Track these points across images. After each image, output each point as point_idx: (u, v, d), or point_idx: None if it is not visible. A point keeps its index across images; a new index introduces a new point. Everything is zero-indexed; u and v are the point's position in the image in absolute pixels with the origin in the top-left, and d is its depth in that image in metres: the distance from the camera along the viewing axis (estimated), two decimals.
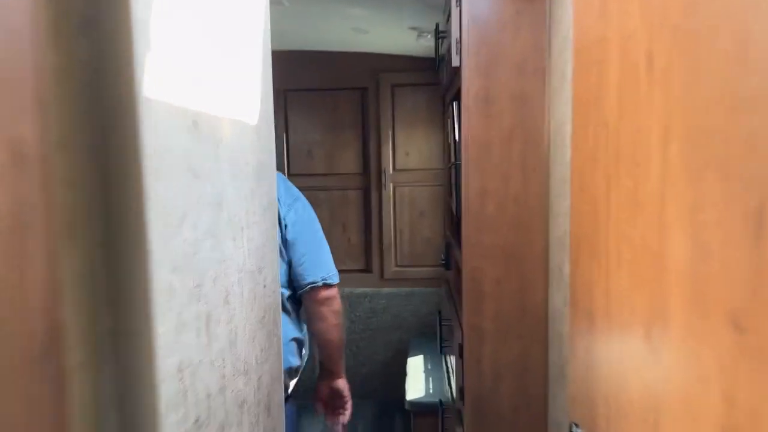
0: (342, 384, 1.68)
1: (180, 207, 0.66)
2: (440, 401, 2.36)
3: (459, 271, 1.89)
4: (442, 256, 2.15)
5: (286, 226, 1.49)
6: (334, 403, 1.70)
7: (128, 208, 0.55)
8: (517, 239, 1.62)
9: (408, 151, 3.46)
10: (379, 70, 3.36)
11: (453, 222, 2.26)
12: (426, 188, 3.47)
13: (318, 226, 1.64)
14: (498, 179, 1.62)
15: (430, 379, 2.75)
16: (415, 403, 2.56)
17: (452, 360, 1.98)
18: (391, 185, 3.45)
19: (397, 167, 3.46)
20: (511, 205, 1.62)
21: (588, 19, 0.89)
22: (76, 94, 0.50)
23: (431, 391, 2.63)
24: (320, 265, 1.56)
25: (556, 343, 1.52)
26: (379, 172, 3.43)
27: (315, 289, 1.54)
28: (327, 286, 1.55)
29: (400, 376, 3.41)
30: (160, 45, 0.61)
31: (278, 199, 1.35)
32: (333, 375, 1.67)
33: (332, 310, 1.56)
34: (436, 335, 2.33)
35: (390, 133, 3.43)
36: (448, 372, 2.13)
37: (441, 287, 3.45)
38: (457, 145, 1.71)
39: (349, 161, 3.47)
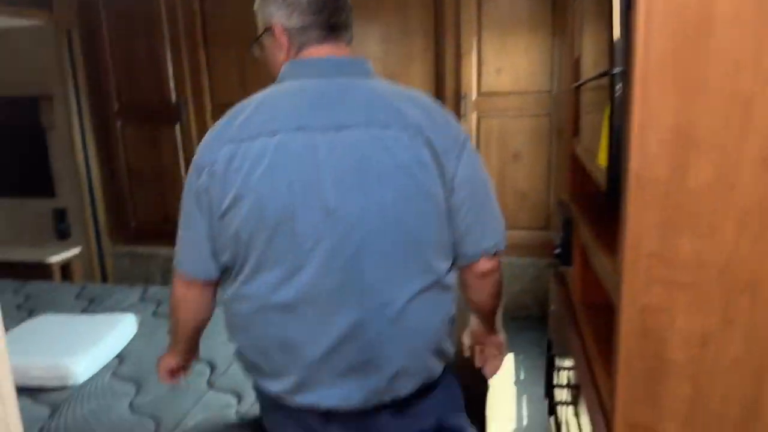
0: (500, 337, 1.34)
1: None
2: None
3: (598, 293, 1.00)
4: (558, 243, 1.25)
5: (453, 187, 1.08)
6: (488, 350, 1.36)
7: None
8: (763, 254, 0.70)
9: (500, 67, 2.47)
10: None
11: (576, 181, 1.33)
12: (524, 120, 2.48)
13: (487, 175, 1.15)
14: (724, 109, 0.69)
15: (524, 399, 1.91)
16: None
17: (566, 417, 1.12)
18: (474, 115, 2.50)
19: (483, 90, 2.49)
20: (753, 174, 0.70)
21: None
22: None
23: (525, 421, 1.80)
24: (492, 230, 1.15)
25: None
26: (457, 96, 2.48)
27: (481, 260, 1.16)
28: (494, 254, 1.16)
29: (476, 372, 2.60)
30: None
31: (432, 143, 1.04)
32: (489, 332, 1.34)
33: (496, 280, 1.21)
34: (534, 331, 1.50)
35: (474, 42, 2.44)
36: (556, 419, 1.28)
37: (542, 258, 2.55)
38: (622, 41, 0.77)
39: (414, 80, 2.54)
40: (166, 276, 2.92)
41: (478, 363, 1.41)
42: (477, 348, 1.40)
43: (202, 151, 1.06)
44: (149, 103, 2.80)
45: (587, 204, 1.19)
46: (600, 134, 0.90)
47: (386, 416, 1.12)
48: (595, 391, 0.88)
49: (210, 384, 1.68)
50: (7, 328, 1.95)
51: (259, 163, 1.00)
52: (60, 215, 2.83)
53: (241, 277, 1.07)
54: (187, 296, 1.16)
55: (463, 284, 1.22)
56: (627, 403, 0.76)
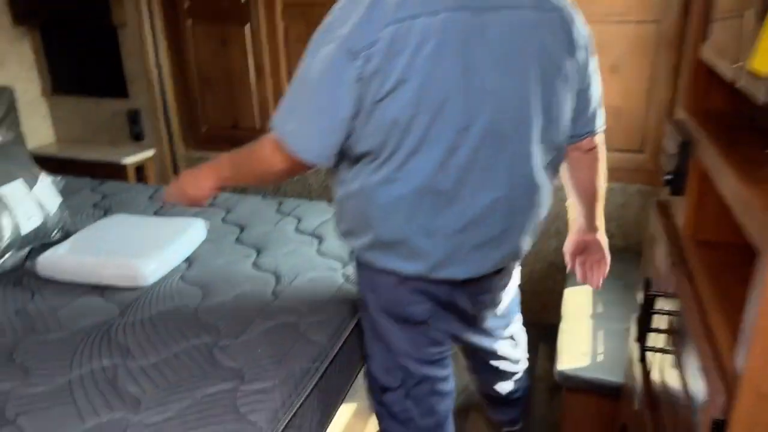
0: (601, 237, 1.41)
1: None
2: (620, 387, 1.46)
3: (718, 230, 0.85)
4: (669, 169, 1.07)
5: (584, 75, 1.19)
6: (590, 258, 1.44)
7: None
8: None
9: None
10: None
11: (700, 96, 1.12)
12: (628, 26, 2.17)
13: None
14: None
15: (600, 334, 1.79)
16: (570, 378, 1.65)
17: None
18: None
19: None
20: None
21: None
22: None
23: (601, 357, 1.68)
24: (600, 113, 1.30)
25: None
26: None
27: (591, 138, 1.29)
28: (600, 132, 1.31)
29: (548, 303, 2.48)
30: None
31: (574, 31, 1.13)
32: (591, 228, 1.41)
33: (602, 155, 1.34)
34: (616, 262, 1.52)
35: None
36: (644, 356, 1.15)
37: (632, 184, 2.31)
38: None
39: None
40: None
41: (580, 276, 1.47)
42: (578, 260, 1.45)
43: (353, 33, 0.99)
44: (220, 0, 2.67)
45: (715, 123, 0.99)
46: (756, 36, 0.70)
47: (493, 276, 1.27)
48: (711, 346, 0.74)
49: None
50: (82, 226, 1.99)
51: (424, 44, 0.98)
52: (134, 117, 2.84)
53: (392, 163, 1.06)
54: (278, 166, 1.14)
55: (571, 164, 1.32)
56: (762, 369, 0.62)
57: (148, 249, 1.75)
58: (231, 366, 1.34)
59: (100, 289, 1.69)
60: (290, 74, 2.67)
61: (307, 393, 1.32)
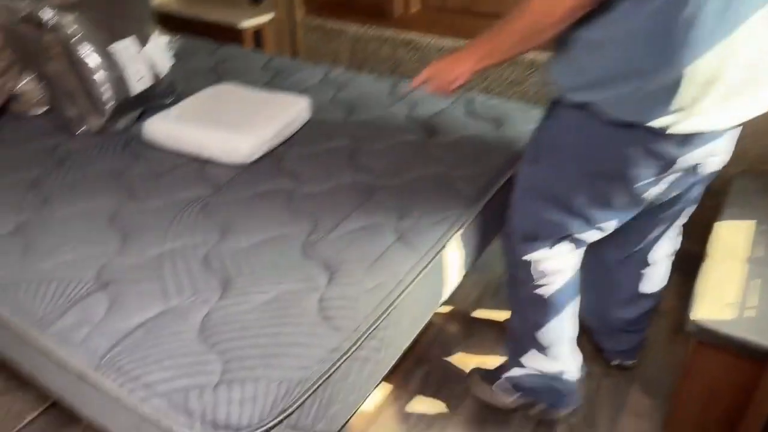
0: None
1: None
2: None
3: None
4: None
5: None
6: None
7: None
8: None
9: None
10: None
11: None
12: None
13: None
14: None
15: (756, 284, 1.47)
16: (708, 332, 1.38)
17: None
18: None
19: None
20: None
21: None
22: None
23: (751, 313, 1.39)
24: None
25: None
26: None
27: None
28: None
29: (691, 231, 2.12)
30: None
31: None
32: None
33: None
34: None
35: None
36: None
37: None
38: None
39: None
40: (352, 58, 2.71)
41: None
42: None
43: None
44: None
45: None
46: None
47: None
48: None
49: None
50: (194, 91, 1.92)
51: None
52: None
53: None
54: (563, 6, 1.02)
55: None
56: None
57: (250, 125, 1.65)
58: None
59: (201, 162, 1.63)
60: None
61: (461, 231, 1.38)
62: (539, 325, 1.42)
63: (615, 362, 1.73)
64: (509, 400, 1.54)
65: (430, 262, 1.30)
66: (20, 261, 1.26)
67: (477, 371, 1.64)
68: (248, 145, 1.60)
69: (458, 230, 1.40)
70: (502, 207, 1.47)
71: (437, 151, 1.68)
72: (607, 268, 1.59)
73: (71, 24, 1.69)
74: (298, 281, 1.18)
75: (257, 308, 1.11)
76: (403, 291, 1.22)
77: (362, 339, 1.10)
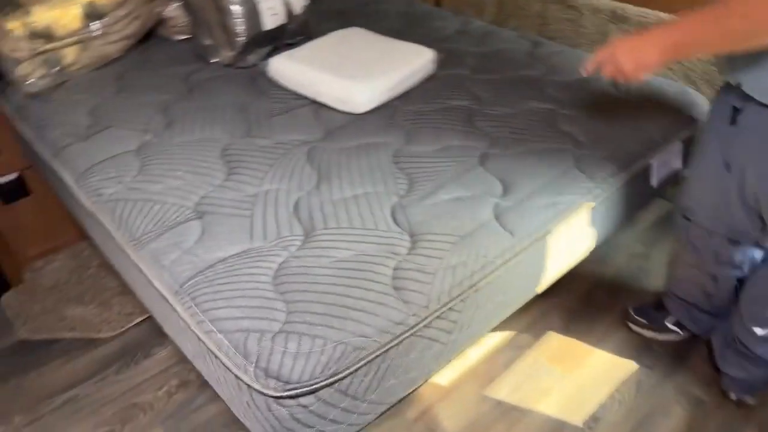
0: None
1: None
2: None
3: None
4: None
5: None
6: None
7: None
8: None
9: None
10: None
11: None
12: None
13: None
14: None
15: None
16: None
17: None
18: None
19: None
20: None
21: None
22: None
23: None
24: None
25: None
26: None
27: None
28: None
29: None
30: None
31: None
32: None
33: None
34: None
35: None
36: None
37: None
38: None
39: None
40: (498, 12, 2.52)
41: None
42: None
43: None
44: None
45: None
46: None
47: None
48: None
49: None
50: (325, 31, 1.91)
51: None
52: None
53: None
54: None
55: None
56: None
57: (369, 74, 1.60)
58: None
59: (316, 106, 1.62)
60: None
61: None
62: None
63: (733, 395, 1.51)
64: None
65: (526, 247, 1.19)
66: (134, 179, 1.35)
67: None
68: (362, 95, 1.55)
69: (569, 217, 1.26)
70: (628, 197, 1.30)
71: (567, 125, 1.51)
72: (755, 268, 1.36)
73: None
74: (379, 244, 1.14)
75: (333, 264, 1.09)
76: (488, 274, 1.12)
77: (431, 318, 1.04)
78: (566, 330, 1.71)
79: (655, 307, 1.69)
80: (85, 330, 1.78)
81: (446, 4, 2.74)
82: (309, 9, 1.98)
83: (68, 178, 1.42)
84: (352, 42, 1.80)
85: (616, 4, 2.10)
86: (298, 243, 1.15)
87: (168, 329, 1.19)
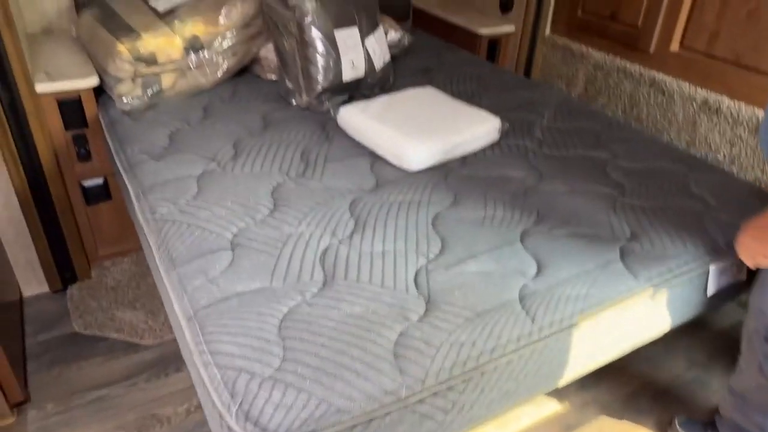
0: None
1: None
2: None
3: None
4: None
5: None
6: None
7: None
8: None
9: None
10: None
11: None
12: None
13: None
14: None
15: None
16: None
17: None
18: None
19: None
20: None
21: None
22: None
23: None
24: None
25: None
26: None
27: None
28: None
29: None
30: None
31: None
32: None
33: None
34: None
35: None
36: None
37: None
38: None
39: None
40: (588, 87, 2.47)
41: None
42: None
43: None
44: None
45: None
46: None
47: None
48: None
49: None
50: (402, 86, 1.96)
51: None
52: None
53: None
54: None
55: None
56: None
57: (426, 134, 1.61)
58: None
59: (374, 158, 1.66)
60: None
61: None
62: None
63: None
64: None
65: (546, 337, 1.13)
66: (187, 203, 1.43)
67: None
68: (415, 153, 1.57)
69: (600, 313, 1.18)
70: (677, 303, 1.19)
71: (623, 213, 1.43)
72: None
73: (308, 7, 1.84)
74: (392, 305, 1.12)
75: (341, 318, 1.09)
76: (497, 358, 1.07)
77: (425, 394, 1.00)
78: (599, 430, 1.58)
79: (704, 425, 1.53)
80: (130, 334, 1.89)
81: (536, 75, 2.73)
82: (390, 65, 2.04)
83: (133, 191, 1.54)
84: (422, 101, 1.83)
85: (710, 95, 2.00)
86: (315, 290, 1.16)
87: (181, 350, 1.24)
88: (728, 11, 1.92)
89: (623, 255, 1.30)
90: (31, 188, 1.86)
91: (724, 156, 1.98)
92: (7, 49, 1.60)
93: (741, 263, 1.35)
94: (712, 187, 1.58)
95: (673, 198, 1.53)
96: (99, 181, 2.05)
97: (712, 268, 1.33)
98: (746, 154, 1.92)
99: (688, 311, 1.39)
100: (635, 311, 1.25)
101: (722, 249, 1.35)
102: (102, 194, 2.07)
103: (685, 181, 1.61)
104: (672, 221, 1.42)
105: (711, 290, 1.35)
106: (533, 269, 1.25)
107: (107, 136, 1.84)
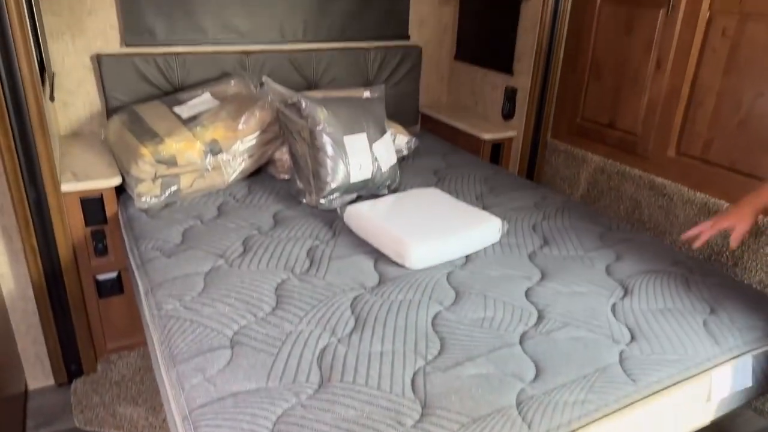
0: None
1: None
2: None
3: None
4: None
5: None
6: None
7: None
8: None
9: None
10: None
11: None
12: None
13: None
14: None
15: None
16: None
17: None
18: None
19: None
20: None
21: None
22: None
23: None
24: None
25: None
26: None
27: None
28: None
29: None
30: None
31: None
32: None
33: None
34: None
35: None
36: None
37: None
38: None
39: None
40: (591, 189, 2.54)
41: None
42: None
43: None
44: None
45: None
46: None
47: None
48: None
49: None
50: (408, 187, 2.04)
51: None
52: (510, 94, 2.74)
53: None
54: None
55: None
56: None
57: (427, 233, 1.67)
58: None
59: (377, 256, 1.70)
60: (696, 77, 2.10)
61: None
62: None
63: None
64: None
65: None
66: (193, 299, 1.47)
67: None
68: (416, 252, 1.61)
69: (598, 420, 1.16)
70: (679, 411, 1.17)
71: (623, 317, 1.44)
72: None
73: (320, 115, 1.97)
74: (387, 409, 1.12)
75: (333, 421, 1.08)
76: None
77: None
78: None
79: None
80: (129, 431, 1.86)
81: (539, 176, 2.82)
82: (396, 167, 2.14)
83: (143, 288, 1.59)
84: (426, 201, 1.90)
85: (709, 198, 2.05)
86: (310, 391, 1.17)
87: None
88: (719, 120, 2.02)
89: (622, 359, 1.29)
90: (46, 281, 1.93)
91: (727, 258, 1.99)
92: (39, 152, 1.73)
93: (745, 368, 1.33)
94: (715, 290, 1.59)
95: (674, 301, 1.53)
96: (113, 275, 2.11)
97: (715, 374, 1.31)
98: (749, 256, 1.93)
99: (691, 419, 1.35)
100: (635, 419, 1.23)
101: (726, 354, 1.34)
102: (115, 288, 2.12)
103: (686, 284, 1.62)
104: (673, 325, 1.42)
105: (715, 397, 1.32)
106: (531, 373, 1.24)
107: (124, 232, 1.92)
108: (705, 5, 2.04)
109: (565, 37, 2.60)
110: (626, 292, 1.57)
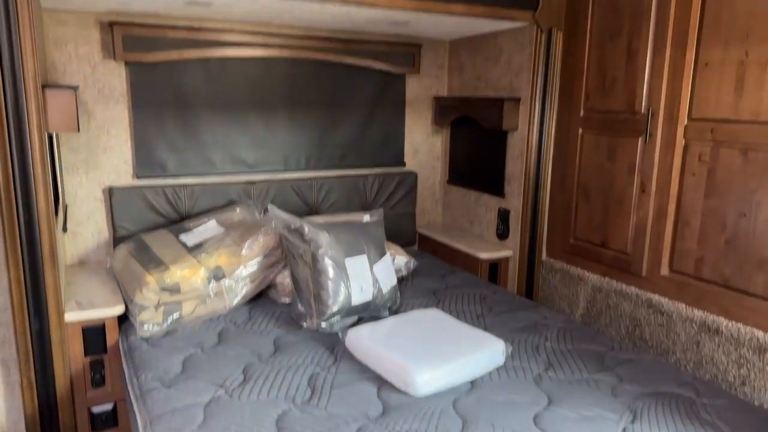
0: None
1: None
2: None
3: None
4: None
5: None
6: None
7: None
8: None
9: None
10: None
11: None
12: None
13: None
14: None
15: None
16: None
17: None
18: None
19: None
20: None
21: None
22: None
23: None
24: None
25: None
26: None
27: None
28: None
29: None
30: None
31: None
32: None
33: None
34: None
35: None
36: None
37: None
38: None
39: None
40: (590, 307, 2.57)
41: None
42: None
43: None
44: (615, 111, 2.44)
45: None
46: None
47: None
48: None
49: None
50: (410, 308, 2.05)
51: None
52: (503, 216, 2.85)
53: None
54: None
55: None
56: None
57: (431, 358, 1.66)
58: None
59: (380, 382, 1.68)
60: (680, 199, 2.20)
61: None
62: None
63: None
64: None
65: None
66: (194, 430, 1.43)
67: None
68: (421, 378, 1.59)
69: None
70: None
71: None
72: None
73: (322, 241, 2.04)
74: None
75: None
76: None
77: None
78: None
79: None
80: None
81: (537, 295, 2.85)
82: (396, 288, 2.18)
83: (141, 421, 1.55)
84: (427, 323, 1.91)
85: (707, 315, 2.06)
86: None
87: None
88: (708, 239, 2.09)
89: None
90: (40, 415, 1.88)
91: (734, 377, 1.97)
92: (47, 284, 1.77)
93: None
94: (724, 413, 1.56)
95: (685, 426, 1.50)
96: (108, 407, 2.06)
97: None
98: (755, 375, 1.91)
99: None
100: None
101: None
102: (110, 420, 2.06)
103: (695, 408, 1.59)
104: None
105: None
106: None
107: (124, 362, 1.91)
108: (680, 134, 2.19)
109: (551, 162, 2.75)
110: (635, 416, 1.54)
